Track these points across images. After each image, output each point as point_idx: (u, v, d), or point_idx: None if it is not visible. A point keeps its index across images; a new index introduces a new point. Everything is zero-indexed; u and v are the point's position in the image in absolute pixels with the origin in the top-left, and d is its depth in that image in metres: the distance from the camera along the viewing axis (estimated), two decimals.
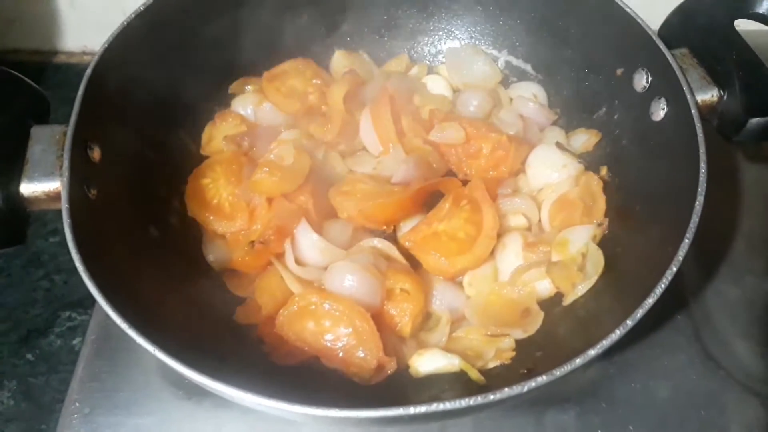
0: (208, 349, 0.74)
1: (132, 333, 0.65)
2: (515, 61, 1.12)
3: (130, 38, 0.87)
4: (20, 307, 1.12)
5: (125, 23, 0.87)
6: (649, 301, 0.70)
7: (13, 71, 0.80)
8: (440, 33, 1.15)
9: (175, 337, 0.68)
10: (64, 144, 0.75)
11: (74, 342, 1.08)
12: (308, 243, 0.89)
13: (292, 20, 1.07)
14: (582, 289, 0.88)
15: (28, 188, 0.74)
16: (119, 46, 0.85)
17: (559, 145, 1.00)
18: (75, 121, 0.76)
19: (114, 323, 0.95)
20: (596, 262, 0.89)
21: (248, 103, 1.04)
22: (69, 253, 1.20)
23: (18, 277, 1.16)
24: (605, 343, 0.67)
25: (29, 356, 1.07)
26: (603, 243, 0.92)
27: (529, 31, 1.09)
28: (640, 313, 0.69)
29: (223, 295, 0.91)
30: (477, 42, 1.14)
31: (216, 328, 0.85)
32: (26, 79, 0.80)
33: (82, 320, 1.10)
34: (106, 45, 0.84)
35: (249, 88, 1.06)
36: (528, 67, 1.11)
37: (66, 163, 0.73)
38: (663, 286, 0.71)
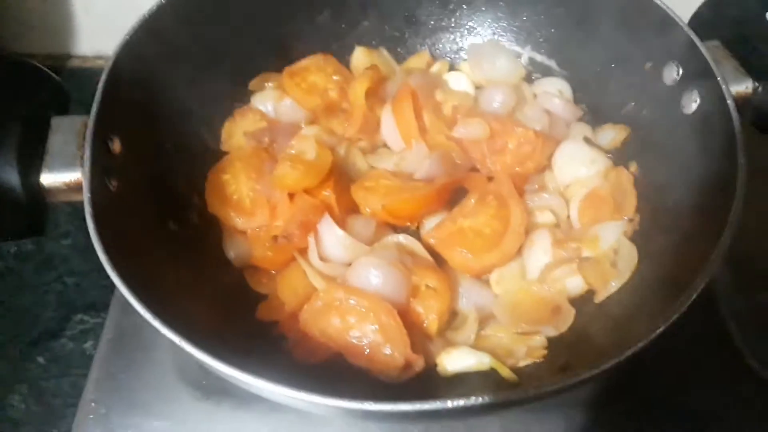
0: (230, 345, 0.71)
1: (156, 323, 0.62)
2: (539, 57, 1.10)
3: (148, 35, 0.85)
4: (32, 309, 1.10)
5: (143, 19, 0.85)
6: (693, 295, 0.67)
7: (36, 63, 0.78)
8: (462, 29, 1.13)
9: (197, 332, 0.65)
10: (85, 135, 0.73)
11: (86, 345, 1.06)
12: (332, 238, 0.86)
13: (312, 17, 1.06)
14: (615, 285, 0.85)
15: (48, 178, 0.73)
16: (138, 42, 0.84)
17: (587, 140, 0.98)
18: (96, 112, 0.75)
19: (131, 322, 0.96)
20: (629, 258, 0.86)
21: (268, 100, 1.03)
22: (81, 255, 1.21)
23: (30, 280, 1.13)
24: (651, 336, 0.65)
25: (40, 359, 1.05)
26: (635, 239, 0.89)
27: (553, 27, 1.07)
28: (683, 306, 0.66)
29: (245, 291, 0.89)
30: (499, 38, 1.12)
31: (238, 324, 0.83)
32: (48, 70, 0.79)
33: (94, 323, 1.07)
34: (125, 41, 0.83)
35: (269, 84, 1.05)
36: (552, 63, 1.09)
37: (88, 153, 0.71)
38: (703, 281, 0.68)
